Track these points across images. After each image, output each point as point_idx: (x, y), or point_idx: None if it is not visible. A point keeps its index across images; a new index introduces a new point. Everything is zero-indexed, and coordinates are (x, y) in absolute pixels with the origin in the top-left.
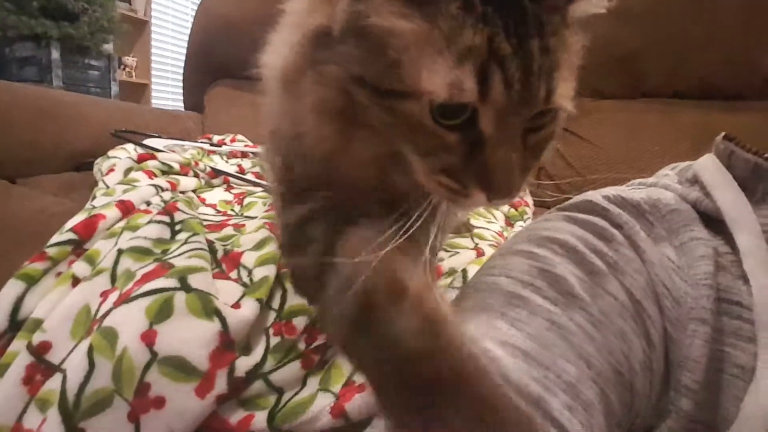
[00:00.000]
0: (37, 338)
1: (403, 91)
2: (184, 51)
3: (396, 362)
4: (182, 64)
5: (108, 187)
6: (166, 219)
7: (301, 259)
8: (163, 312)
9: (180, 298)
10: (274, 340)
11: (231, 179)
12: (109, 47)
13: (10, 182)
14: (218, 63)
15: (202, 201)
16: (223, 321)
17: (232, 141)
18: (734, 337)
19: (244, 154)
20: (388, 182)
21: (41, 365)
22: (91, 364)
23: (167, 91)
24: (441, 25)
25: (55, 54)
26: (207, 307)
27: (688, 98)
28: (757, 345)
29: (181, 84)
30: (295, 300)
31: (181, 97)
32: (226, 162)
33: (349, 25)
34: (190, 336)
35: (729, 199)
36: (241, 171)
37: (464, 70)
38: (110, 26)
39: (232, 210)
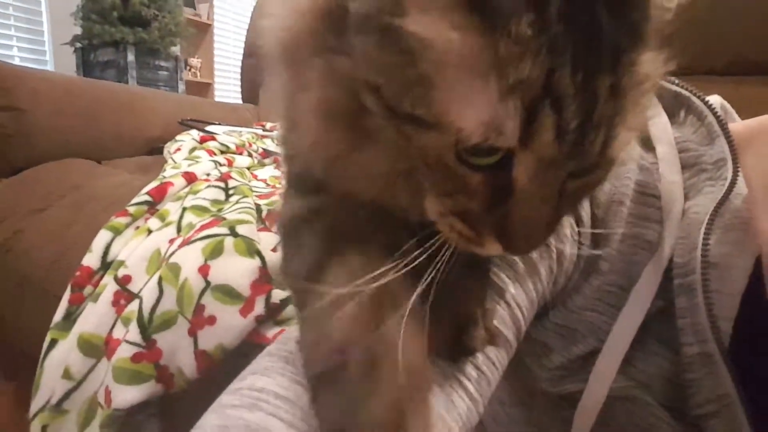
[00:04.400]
0: (121, 272)
1: (427, 120)
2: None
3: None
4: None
5: (175, 162)
6: (222, 185)
7: (288, 265)
8: (215, 251)
9: (229, 241)
10: None
11: (280, 159)
12: (176, 49)
13: (97, 163)
14: None
15: (254, 177)
16: (263, 259)
17: None
18: (647, 221)
19: None
20: (395, 203)
21: (125, 293)
22: (161, 291)
23: (229, 90)
24: (500, 45)
25: (131, 57)
26: (250, 249)
27: (722, 75)
28: (663, 227)
29: (239, 82)
30: None
31: (240, 94)
32: (276, 145)
33: (373, 18)
34: (236, 269)
35: (658, 122)
36: None
37: (508, 107)
38: (177, 30)
39: (280, 184)
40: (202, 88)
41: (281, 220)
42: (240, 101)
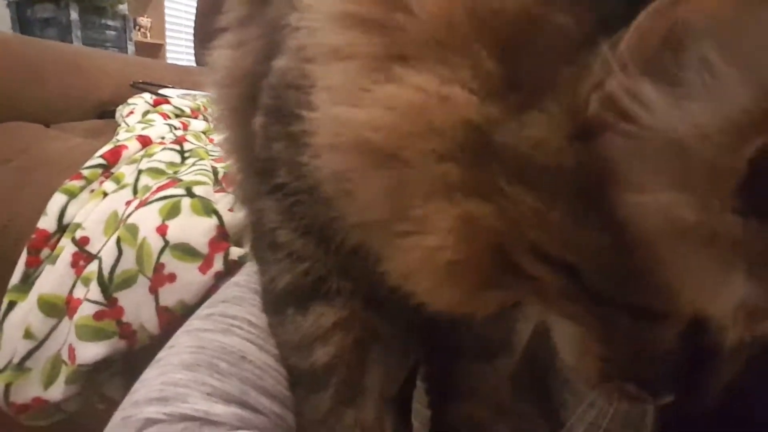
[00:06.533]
0: (78, 234)
1: (660, 311)
2: None
3: None
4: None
5: (129, 125)
6: (177, 148)
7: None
8: (173, 211)
9: (186, 201)
10: None
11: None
12: (124, 8)
13: (45, 126)
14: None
15: (211, 141)
16: (219, 218)
17: None
18: None
19: None
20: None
21: (83, 254)
22: (120, 251)
23: (181, 51)
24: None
25: (74, 15)
26: (207, 208)
27: None
28: None
29: (192, 42)
30: None
31: (194, 55)
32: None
33: (562, 175)
34: (194, 228)
35: None
36: None
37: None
38: None
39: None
40: (153, 50)
41: (265, 286)
42: (194, 63)
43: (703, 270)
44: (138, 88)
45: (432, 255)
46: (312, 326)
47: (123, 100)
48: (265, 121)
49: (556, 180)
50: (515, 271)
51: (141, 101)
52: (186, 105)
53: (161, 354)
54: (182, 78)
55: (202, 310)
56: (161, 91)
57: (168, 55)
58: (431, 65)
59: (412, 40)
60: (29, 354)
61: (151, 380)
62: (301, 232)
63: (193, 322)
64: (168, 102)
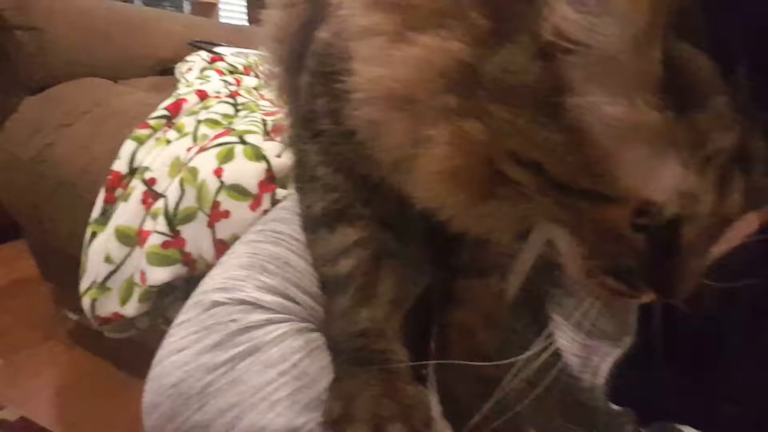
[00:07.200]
0: (147, 176)
1: (607, 194)
2: None
3: None
4: None
5: (188, 81)
6: (231, 101)
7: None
8: (227, 156)
9: (239, 148)
10: None
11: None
12: None
13: (113, 82)
14: None
15: (262, 96)
16: (268, 163)
17: None
18: None
19: None
20: (490, 237)
21: (151, 193)
22: (182, 191)
23: (234, 10)
24: (696, 121)
25: None
26: (257, 154)
27: None
28: None
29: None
30: None
31: (246, 14)
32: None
33: (525, 92)
34: (245, 171)
35: None
36: None
37: (706, 176)
38: None
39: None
40: (207, 8)
41: (305, 212)
42: (246, 22)
43: (638, 159)
44: (195, 46)
45: (437, 162)
46: (338, 243)
47: (181, 58)
48: (310, 81)
49: (523, 94)
50: (503, 180)
51: (198, 59)
52: (239, 62)
53: (223, 258)
54: (235, 37)
55: (256, 226)
56: (216, 50)
57: (221, 14)
58: (436, 30)
59: (422, 14)
60: (109, 275)
61: (215, 275)
62: (334, 168)
63: (248, 236)
64: (222, 59)
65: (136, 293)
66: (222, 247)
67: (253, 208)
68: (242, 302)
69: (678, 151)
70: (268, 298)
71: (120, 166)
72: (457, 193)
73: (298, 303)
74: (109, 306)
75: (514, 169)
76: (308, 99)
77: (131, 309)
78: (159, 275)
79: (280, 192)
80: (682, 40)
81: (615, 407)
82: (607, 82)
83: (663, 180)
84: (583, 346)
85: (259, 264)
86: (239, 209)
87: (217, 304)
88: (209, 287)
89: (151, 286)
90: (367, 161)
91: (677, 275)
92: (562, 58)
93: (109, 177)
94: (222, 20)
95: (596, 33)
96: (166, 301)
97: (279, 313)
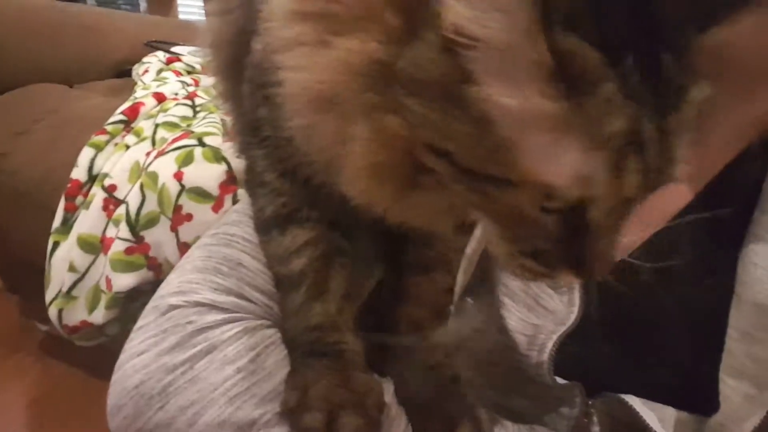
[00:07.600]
0: (107, 182)
1: (512, 180)
2: None
3: None
4: None
5: (144, 83)
6: (189, 103)
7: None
8: (187, 160)
9: (198, 150)
10: None
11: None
12: None
13: (69, 87)
14: None
15: None
16: (228, 164)
17: None
18: None
19: None
20: (424, 227)
21: (112, 199)
22: (143, 196)
23: (192, 4)
24: (587, 107)
25: None
26: (217, 156)
27: None
28: None
29: None
30: None
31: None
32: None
33: (434, 85)
34: (206, 174)
35: None
36: None
37: (600, 160)
38: None
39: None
40: (164, 6)
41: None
42: (204, 18)
43: (536, 146)
44: (152, 47)
45: (362, 158)
46: (289, 243)
47: (138, 59)
48: (251, 90)
49: (433, 88)
50: (423, 170)
51: (155, 60)
52: (197, 62)
53: (180, 263)
54: (192, 34)
55: (210, 230)
56: (173, 49)
57: (180, 10)
58: (355, 33)
59: (341, 20)
60: (74, 284)
61: (172, 280)
62: (279, 173)
63: (203, 239)
64: (180, 60)
65: (103, 300)
66: (186, 250)
67: (215, 210)
68: (198, 304)
69: (573, 137)
70: (222, 299)
71: (79, 173)
72: (384, 186)
73: (252, 302)
74: (77, 314)
75: (430, 159)
76: (251, 107)
77: (99, 316)
78: (124, 281)
79: (242, 192)
80: (569, 33)
81: (562, 381)
82: (502, 74)
83: (561, 165)
84: (529, 325)
85: (213, 266)
86: (201, 212)
87: (173, 307)
88: (166, 292)
89: (117, 293)
90: (307, 165)
91: (589, 255)
92: (463, 53)
93: (69, 185)
94: (181, 17)
95: (487, 27)
96: (135, 305)
97: (234, 312)
